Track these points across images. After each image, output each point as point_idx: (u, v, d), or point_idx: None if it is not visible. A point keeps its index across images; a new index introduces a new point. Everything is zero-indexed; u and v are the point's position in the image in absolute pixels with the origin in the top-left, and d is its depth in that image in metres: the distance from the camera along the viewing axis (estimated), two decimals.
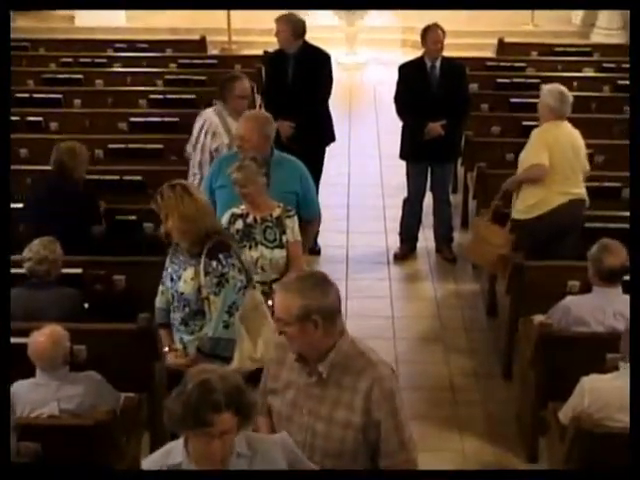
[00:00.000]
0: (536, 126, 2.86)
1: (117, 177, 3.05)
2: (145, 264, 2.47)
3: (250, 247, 2.19)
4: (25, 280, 2.34)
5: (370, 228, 3.69)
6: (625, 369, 1.92)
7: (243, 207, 2.23)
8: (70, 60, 4.65)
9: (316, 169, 3.07)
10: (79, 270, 2.51)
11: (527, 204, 2.73)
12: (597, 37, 5.99)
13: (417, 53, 3.43)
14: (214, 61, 4.76)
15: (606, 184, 3.14)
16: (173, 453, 1.32)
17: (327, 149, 3.45)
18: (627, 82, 4.20)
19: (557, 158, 2.68)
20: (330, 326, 1.38)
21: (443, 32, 3.26)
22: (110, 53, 4.82)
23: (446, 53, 3.33)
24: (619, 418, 1.89)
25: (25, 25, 6.31)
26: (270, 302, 2.08)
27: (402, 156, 3.44)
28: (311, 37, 3.39)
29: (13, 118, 3.67)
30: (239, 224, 2.22)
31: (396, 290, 3.26)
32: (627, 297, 2.21)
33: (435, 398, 2.61)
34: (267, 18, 5.88)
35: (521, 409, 2.46)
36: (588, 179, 2.93)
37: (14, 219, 2.65)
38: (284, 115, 3.03)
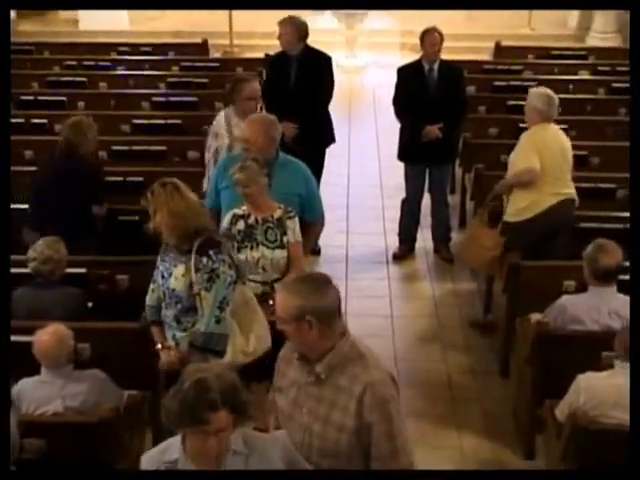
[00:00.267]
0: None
1: (120, 178, 3.09)
2: (148, 264, 2.46)
3: (251, 247, 2.22)
4: (30, 280, 2.37)
5: (369, 228, 3.72)
6: (620, 367, 1.94)
7: (244, 208, 2.26)
8: (74, 63, 4.69)
9: (316, 170, 3.09)
10: (83, 270, 2.54)
11: (518, 207, 2.76)
12: (592, 41, 6.05)
13: (416, 56, 3.47)
14: (216, 64, 4.80)
15: (601, 185, 3.17)
16: (170, 450, 1.34)
17: (327, 150, 3.48)
18: (622, 85, 4.25)
19: (547, 160, 2.72)
20: (326, 328, 1.39)
21: (441, 35, 3.28)
22: (113, 56, 4.86)
23: (444, 56, 3.36)
24: (614, 415, 1.91)
25: (30, 29, 6.37)
26: (271, 301, 2.11)
27: (400, 157, 3.47)
28: (311, 40, 3.43)
29: (18, 120, 3.73)
30: (241, 225, 2.24)
31: (395, 289, 3.29)
32: (622, 296, 2.24)
33: (433, 395, 2.63)
34: (268, 21, 5.93)
35: (518, 406, 2.48)
36: (583, 180, 2.98)
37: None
38: (286, 117, 3.05)
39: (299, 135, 3.19)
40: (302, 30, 3.29)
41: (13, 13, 6.44)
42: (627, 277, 2.21)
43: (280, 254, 2.21)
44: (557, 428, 2.04)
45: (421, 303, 3.20)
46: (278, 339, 1.52)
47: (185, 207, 1.98)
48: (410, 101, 3.30)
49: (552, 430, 2.10)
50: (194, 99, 4.10)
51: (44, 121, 3.77)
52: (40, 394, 2.02)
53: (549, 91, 2.82)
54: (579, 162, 3.38)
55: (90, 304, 2.47)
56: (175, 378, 1.34)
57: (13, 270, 2.42)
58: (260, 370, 2.25)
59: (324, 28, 5.91)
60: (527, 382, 2.34)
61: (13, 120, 3.68)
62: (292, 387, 1.46)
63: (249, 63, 4.73)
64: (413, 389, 2.64)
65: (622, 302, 2.23)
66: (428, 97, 3.28)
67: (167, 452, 1.35)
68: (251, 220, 2.23)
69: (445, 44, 3.33)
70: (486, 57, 5.21)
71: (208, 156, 2.83)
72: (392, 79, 3.45)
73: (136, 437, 2.18)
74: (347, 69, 5.76)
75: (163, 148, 3.51)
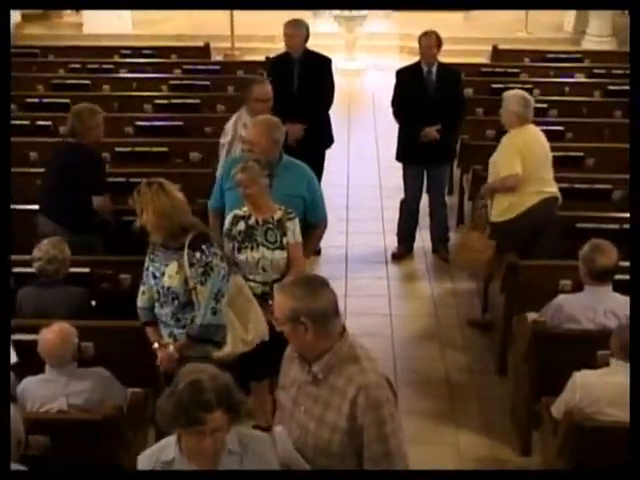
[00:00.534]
0: None
1: (123, 179, 3.12)
2: None
3: (252, 248, 2.23)
4: (34, 279, 2.39)
5: (369, 228, 3.75)
6: (615, 365, 1.96)
7: (245, 209, 2.27)
8: (78, 66, 4.73)
9: (316, 172, 3.12)
10: (87, 269, 2.56)
11: (503, 207, 2.79)
12: (588, 44, 6.10)
13: (414, 59, 3.49)
14: (217, 67, 4.84)
15: (597, 186, 3.19)
16: (167, 449, 1.36)
17: (327, 152, 3.51)
18: (617, 87, 4.27)
19: (529, 162, 2.75)
20: (321, 329, 1.39)
21: (438, 38, 3.31)
22: (117, 59, 4.90)
23: (442, 59, 3.39)
24: (609, 412, 1.94)
25: (35, 32, 6.40)
26: (270, 301, 2.13)
27: (399, 158, 3.50)
28: (311, 44, 3.46)
29: (23, 122, 3.75)
30: (241, 225, 2.26)
31: (394, 289, 3.31)
32: (617, 295, 2.26)
33: (432, 393, 2.65)
34: (268, 25, 6.00)
35: (515, 404, 2.50)
36: (580, 181, 3.01)
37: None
38: (289, 119, 3.06)
39: (300, 136, 3.23)
40: (308, 33, 3.35)
41: (19, 17, 6.51)
42: (625, 277, 2.22)
43: (280, 255, 2.23)
44: (553, 425, 2.06)
45: (420, 302, 3.23)
46: (280, 338, 1.54)
47: (170, 205, 2.00)
48: (409, 103, 3.32)
49: (548, 427, 2.12)
50: (196, 101, 4.13)
51: (49, 123, 3.79)
52: (44, 392, 2.04)
53: (523, 93, 2.85)
54: (575, 163, 3.44)
55: (93, 303, 2.49)
56: (174, 376, 1.36)
57: (18, 270, 2.47)
58: (260, 369, 2.29)
59: (324, 32, 5.97)
60: (524, 380, 2.36)
61: (19, 122, 3.72)
62: (293, 385, 1.48)
63: (250, 66, 4.77)
64: (412, 387, 2.66)
65: (617, 301, 2.26)
66: (426, 99, 3.31)
67: (164, 452, 1.36)
68: (251, 221, 2.25)
69: (443, 47, 3.36)
70: (483, 60, 5.24)
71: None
72: (391, 82, 3.47)
73: (139, 434, 2.19)
74: (347, 72, 5.79)
75: (165, 149, 3.54)
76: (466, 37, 6.12)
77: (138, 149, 3.51)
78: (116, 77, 4.59)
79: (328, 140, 3.49)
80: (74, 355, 2.07)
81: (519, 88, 3.25)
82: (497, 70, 4.67)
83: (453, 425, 2.50)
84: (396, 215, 3.57)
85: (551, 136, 3.24)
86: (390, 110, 3.44)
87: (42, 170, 2.92)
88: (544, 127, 3.37)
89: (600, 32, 6.13)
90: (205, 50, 5.14)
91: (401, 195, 3.56)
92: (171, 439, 1.36)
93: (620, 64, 4.66)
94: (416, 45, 3.41)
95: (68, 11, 6.83)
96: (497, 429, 2.47)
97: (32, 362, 2.06)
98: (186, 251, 2.01)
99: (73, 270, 2.45)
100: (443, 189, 3.59)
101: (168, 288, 2.06)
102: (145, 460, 1.39)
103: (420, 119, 3.30)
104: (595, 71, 4.68)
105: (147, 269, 2.11)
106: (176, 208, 2.01)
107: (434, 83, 3.33)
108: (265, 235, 2.24)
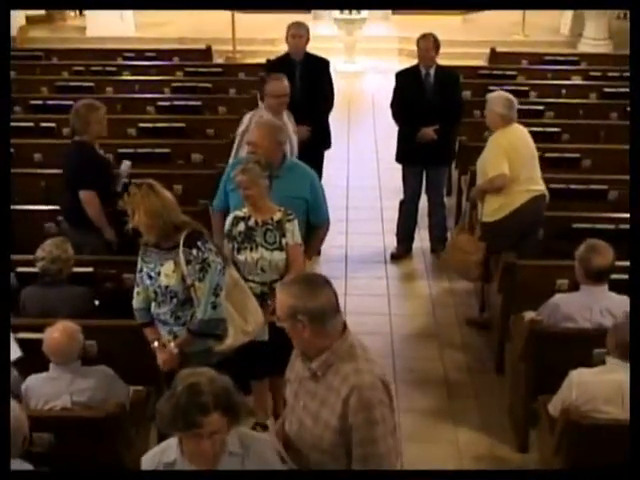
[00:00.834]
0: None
1: (126, 180, 3.15)
2: None
3: (251, 249, 2.24)
4: (38, 279, 2.41)
5: (368, 229, 3.77)
6: (611, 363, 1.98)
7: (246, 210, 2.29)
8: (82, 69, 4.77)
9: (315, 172, 3.17)
10: (90, 269, 2.58)
11: (494, 207, 2.82)
12: (584, 47, 6.14)
13: (413, 62, 3.52)
14: (219, 69, 4.88)
15: (593, 187, 3.21)
16: (169, 451, 1.37)
17: (326, 153, 3.54)
18: (613, 89, 4.30)
19: (516, 162, 2.77)
20: (319, 327, 1.39)
21: (436, 41, 3.33)
22: (120, 62, 4.94)
23: (440, 61, 3.42)
24: (605, 410, 1.95)
25: (39, 35, 6.45)
26: (269, 301, 2.16)
27: (398, 160, 3.53)
28: (311, 47, 3.50)
29: (28, 124, 3.78)
30: (241, 226, 2.27)
31: (393, 288, 3.33)
32: (613, 295, 2.27)
33: (430, 392, 2.67)
34: (269, 28, 6.04)
35: (512, 402, 2.52)
36: (576, 182, 3.03)
37: None
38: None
39: (307, 137, 3.24)
40: (309, 35, 3.41)
41: (23, 20, 6.56)
42: (621, 277, 2.25)
43: (279, 256, 2.24)
44: (550, 423, 2.08)
45: (418, 302, 3.25)
46: (279, 338, 1.56)
47: (161, 205, 2.02)
48: (407, 105, 3.35)
49: (546, 425, 2.13)
50: (198, 103, 4.16)
51: (53, 125, 3.82)
52: (49, 390, 2.05)
53: (507, 94, 2.88)
54: (571, 164, 3.47)
55: (97, 302, 2.51)
56: (175, 375, 1.38)
57: (22, 269, 2.50)
58: (260, 368, 2.31)
59: (324, 34, 6.00)
60: (521, 378, 2.38)
61: (23, 124, 3.74)
62: (296, 380, 1.49)
63: (251, 68, 4.81)
64: (410, 386, 2.68)
65: (613, 300, 2.27)
66: (425, 101, 3.34)
67: (166, 453, 1.38)
68: (251, 222, 2.26)
69: (441, 50, 3.39)
70: (481, 63, 5.28)
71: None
72: (390, 84, 3.50)
73: (141, 432, 2.21)
74: (346, 74, 5.83)
75: (167, 151, 3.57)
76: (464, 40, 6.17)
77: (140, 150, 3.53)
78: (119, 79, 4.62)
79: (327, 143, 3.52)
80: (80, 353, 2.09)
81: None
82: (495, 72, 4.71)
83: (451, 423, 2.52)
84: (395, 216, 3.60)
85: (548, 137, 3.28)
86: (389, 112, 3.47)
87: (46, 171, 2.97)
88: (541, 128, 3.42)
89: (596, 35, 6.18)
90: (207, 53, 5.18)
91: (400, 196, 3.59)
92: (172, 441, 1.38)
93: (616, 67, 4.69)
94: (415, 48, 3.44)
95: (72, 14, 6.88)
96: (495, 427, 2.48)
97: (36, 360, 2.07)
98: (181, 249, 2.02)
99: (76, 270, 2.47)
100: (442, 190, 3.62)
101: (166, 287, 2.07)
102: (147, 462, 1.41)
103: (419, 121, 3.33)
104: (591, 74, 4.71)
105: (140, 270, 2.12)
106: (167, 207, 2.03)
107: (432, 85, 3.35)
108: (264, 236, 2.26)
